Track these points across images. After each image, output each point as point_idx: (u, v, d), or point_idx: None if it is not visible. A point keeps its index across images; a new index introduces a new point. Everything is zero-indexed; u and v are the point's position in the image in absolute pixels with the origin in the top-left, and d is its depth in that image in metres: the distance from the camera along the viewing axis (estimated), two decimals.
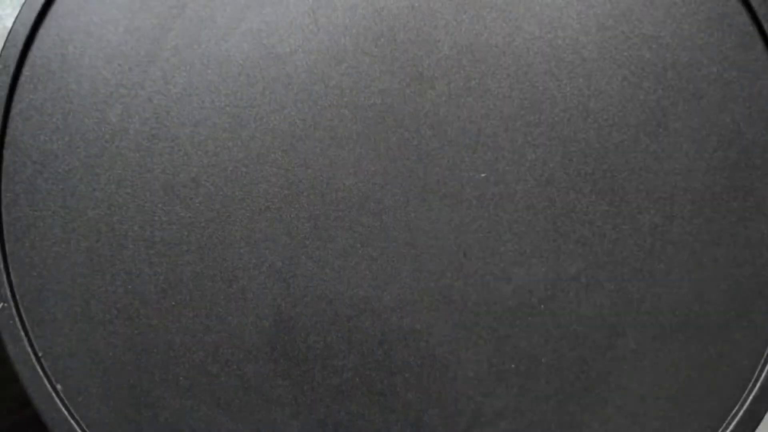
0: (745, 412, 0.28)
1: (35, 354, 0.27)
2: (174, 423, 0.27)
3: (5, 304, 0.28)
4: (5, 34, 0.29)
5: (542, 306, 0.28)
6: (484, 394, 0.28)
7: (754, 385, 0.28)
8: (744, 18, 0.30)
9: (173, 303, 0.28)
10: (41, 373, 0.27)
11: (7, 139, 0.29)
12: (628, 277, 0.29)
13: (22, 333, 0.28)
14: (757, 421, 0.28)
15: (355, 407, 0.28)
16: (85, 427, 0.27)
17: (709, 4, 0.30)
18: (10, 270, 0.28)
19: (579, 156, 0.29)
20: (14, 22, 0.29)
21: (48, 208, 0.29)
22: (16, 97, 0.29)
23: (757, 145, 0.30)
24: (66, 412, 0.27)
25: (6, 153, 0.29)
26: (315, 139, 0.29)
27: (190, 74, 0.30)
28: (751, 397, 0.28)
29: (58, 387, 0.27)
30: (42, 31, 0.30)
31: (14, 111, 0.29)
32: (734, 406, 0.28)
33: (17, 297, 0.28)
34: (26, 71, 0.29)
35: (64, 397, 0.27)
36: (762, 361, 0.28)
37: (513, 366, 0.28)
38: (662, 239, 0.29)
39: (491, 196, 0.28)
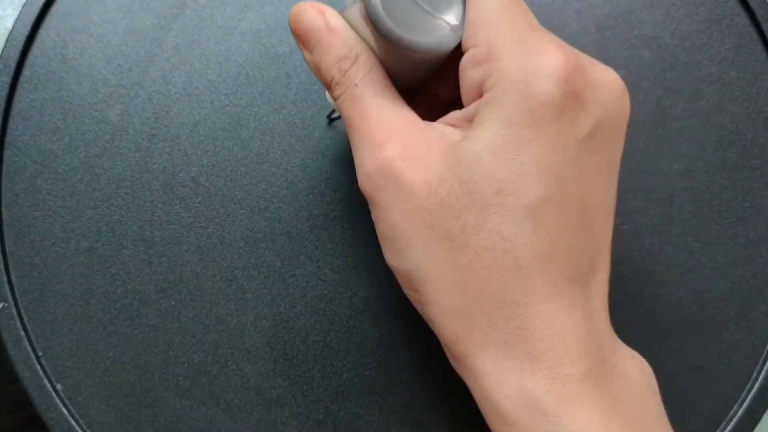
0: (744, 411, 0.28)
1: (35, 354, 0.27)
2: (174, 423, 0.27)
3: (5, 304, 0.28)
4: (5, 34, 0.29)
5: None
6: None
7: (752, 385, 0.28)
8: (743, 19, 0.30)
9: (173, 303, 0.28)
10: (41, 373, 0.27)
11: (7, 139, 0.29)
12: (628, 277, 0.29)
13: (22, 333, 0.28)
14: (756, 420, 0.28)
15: (355, 407, 0.28)
16: (85, 427, 0.27)
17: (709, 5, 0.31)
18: (10, 270, 0.28)
19: None
20: (15, 22, 0.29)
21: (48, 208, 0.29)
22: (16, 97, 0.29)
23: (756, 146, 0.30)
24: (66, 412, 0.27)
25: (6, 153, 0.29)
26: (314, 138, 0.29)
27: (190, 74, 0.30)
28: (749, 397, 0.28)
29: (58, 387, 0.27)
30: (42, 31, 0.30)
31: (14, 111, 0.29)
32: (733, 406, 0.28)
33: (17, 297, 0.28)
34: (26, 71, 0.29)
35: (64, 397, 0.27)
36: (761, 360, 0.28)
37: None
38: (662, 239, 0.29)
39: None
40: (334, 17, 0.22)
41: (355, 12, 0.22)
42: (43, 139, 0.29)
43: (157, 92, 0.29)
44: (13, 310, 0.28)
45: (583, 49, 0.30)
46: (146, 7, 0.30)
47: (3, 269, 0.28)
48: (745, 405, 0.28)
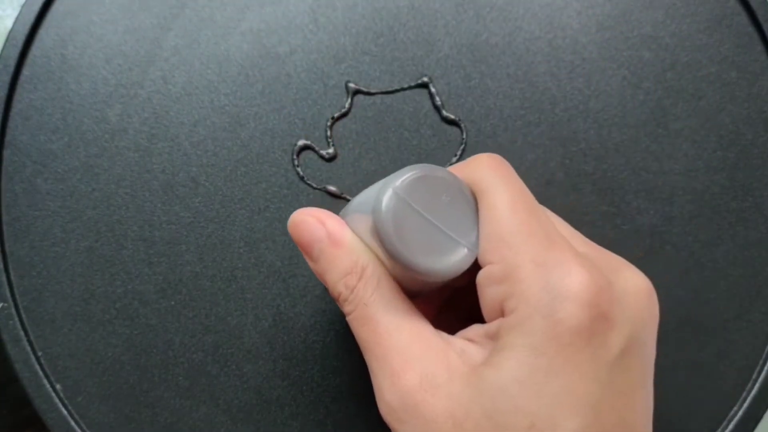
0: (744, 411, 0.28)
1: (35, 354, 0.27)
2: (174, 423, 0.27)
3: (5, 304, 0.28)
4: (5, 34, 0.29)
5: None
6: None
7: (752, 385, 0.28)
8: (743, 19, 0.30)
9: (173, 303, 0.28)
10: (41, 373, 0.27)
11: (7, 138, 0.29)
12: None
13: (22, 333, 0.27)
14: (756, 421, 0.28)
15: (355, 407, 0.28)
16: (84, 427, 0.27)
17: (709, 5, 0.31)
18: (10, 270, 0.28)
19: (579, 156, 0.29)
20: (14, 22, 0.29)
21: (47, 208, 0.28)
22: (16, 97, 0.29)
23: (756, 146, 0.30)
24: (65, 412, 0.27)
25: (6, 153, 0.29)
26: (314, 138, 0.29)
27: (190, 74, 0.30)
28: (750, 397, 0.28)
29: (58, 387, 0.27)
30: (42, 31, 0.30)
31: (14, 111, 0.29)
32: (733, 406, 0.28)
33: (17, 297, 0.28)
34: (26, 71, 0.29)
35: (63, 397, 0.27)
36: (761, 361, 0.28)
37: None
38: (662, 239, 0.29)
39: None
40: (335, 227, 0.21)
41: (362, 221, 0.20)
42: (43, 139, 0.29)
43: (157, 92, 0.29)
44: (13, 310, 0.28)
45: (584, 49, 0.30)
46: (146, 7, 0.30)
47: (3, 269, 0.28)
48: (745, 405, 0.28)
